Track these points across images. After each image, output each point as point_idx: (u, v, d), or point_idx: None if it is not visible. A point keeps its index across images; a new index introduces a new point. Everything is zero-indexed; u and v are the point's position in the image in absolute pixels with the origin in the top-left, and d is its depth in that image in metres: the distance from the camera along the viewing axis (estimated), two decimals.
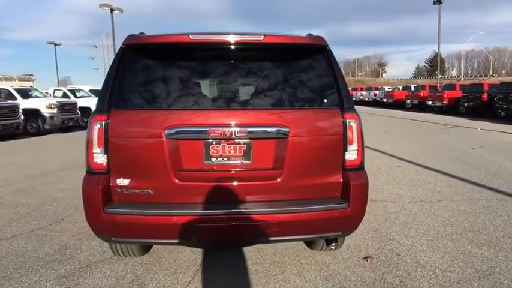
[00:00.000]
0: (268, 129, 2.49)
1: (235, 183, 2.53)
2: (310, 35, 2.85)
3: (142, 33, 2.83)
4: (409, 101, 29.04)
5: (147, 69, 2.62)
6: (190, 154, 2.50)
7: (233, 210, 2.44)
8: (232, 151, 2.51)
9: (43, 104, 14.62)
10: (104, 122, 2.49)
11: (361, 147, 2.62)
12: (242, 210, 2.44)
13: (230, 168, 2.53)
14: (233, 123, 2.46)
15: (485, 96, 19.73)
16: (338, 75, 2.63)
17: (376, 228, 4.14)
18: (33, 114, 14.52)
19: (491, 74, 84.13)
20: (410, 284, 2.96)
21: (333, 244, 2.85)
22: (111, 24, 27.01)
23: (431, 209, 4.83)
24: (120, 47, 2.65)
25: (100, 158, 2.52)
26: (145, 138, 2.49)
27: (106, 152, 2.50)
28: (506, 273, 3.11)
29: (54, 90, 19.02)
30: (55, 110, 14.54)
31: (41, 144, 12.54)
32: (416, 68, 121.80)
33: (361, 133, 2.61)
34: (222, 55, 2.66)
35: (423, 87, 29.80)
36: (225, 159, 2.52)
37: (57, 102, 14.88)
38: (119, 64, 2.59)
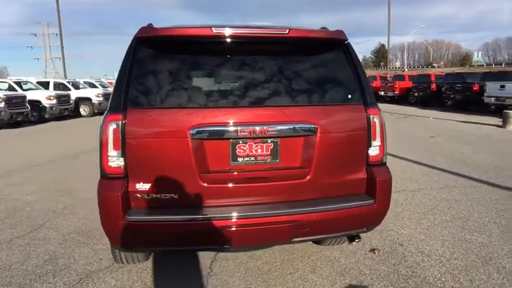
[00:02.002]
0: (297, 127, 2.41)
1: (263, 183, 2.43)
2: (324, 28, 2.79)
3: (151, 24, 2.62)
4: None
5: (165, 64, 2.43)
6: (215, 155, 2.37)
7: (264, 212, 2.35)
8: (259, 150, 2.40)
9: None
10: (120, 122, 2.28)
11: (384, 142, 2.63)
12: (273, 211, 2.36)
13: (257, 168, 2.42)
14: (262, 121, 2.35)
15: (433, 86, 20.91)
16: (359, 70, 2.60)
17: None
18: None
19: (432, 64, 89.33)
20: (423, 274, 3.04)
21: (356, 240, 2.86)
22: (57, 11, 25.19)
23: (415, 198, 5.02)
24: (134, 39, 2.43)
25: (116, 162, 2.31)
26: (167, 138, 2.31)
27: (123, 154, 2.29)
28: (504, 257, 3.29)
29: None
30: (2, 104, 13.37)
31: None
32: (363, 59, 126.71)
33: (384, 128, 2.61)
34: (245, 49, 2.53)
35: (374, 77, 30.95)
36: (252, 159, 2.41)
37: (4, 95, 13.67)
38: (133, 58, 2.38)
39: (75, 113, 18.43)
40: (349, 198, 2.55)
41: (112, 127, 2.28)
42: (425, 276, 3.01)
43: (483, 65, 62.23)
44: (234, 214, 2.32)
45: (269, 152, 2.41)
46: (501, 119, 12.54)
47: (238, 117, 2.35)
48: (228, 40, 2.42)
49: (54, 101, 16.27)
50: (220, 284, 2.93)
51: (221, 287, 2.89)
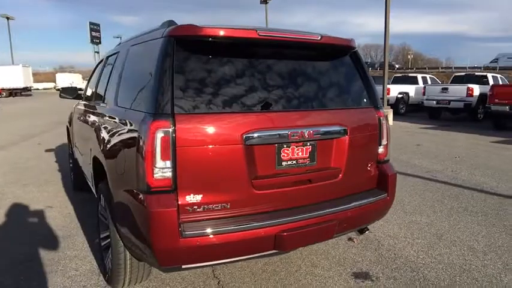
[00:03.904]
0: (334, 129, 2.54)
1: (303, 185, 2.49)
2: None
3: (173, 22, 2.42)
4: None
5: (207, 66, 2.26)
6: (263, 160, 2.33)
7: (314, 213, 2.41)
8: (300, 153, 2.45)
9: None
10: (170, 129, 2.06)
11: (389, 141, 2.94)
12: (320, 212, 2.44)
13: (298, 171, 2.47)
14: (308, 124, 2.42)
15: None
16: (369, 75, 2.87)
17: None
18: None
19: None
20: (404, 254, 3.49)
21: (366, 231, 3.10)
22: None
23: None
24: (170, 37, 2.20)
25: (162, 173, 2.08)
26: (220, 145, 2.17)
27: (173, 165, 2.08)
28: (450, 232, 4.00)
29: None
30: None
31: None
32: None
33: (389, 129, 2.93)
34: (283, 53, 2.53)
35: None
36: (294, 162, 2.44)
37: None
38: (172, 58, 2.16)
39: None
40: (368, 193, 2.80)
41: (160, 135, 2.05)
42: (407, 256, 3.46)
43: None
44: (287, 218, 2.32)
45: (307, 155, 2.49)
46: None
47: (287, 121, 2.38)
48: (271, 44, 2.42)
49: None
50: None
51: None
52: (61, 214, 4.52)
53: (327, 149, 2.57)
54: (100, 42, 42.80)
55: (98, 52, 44.62)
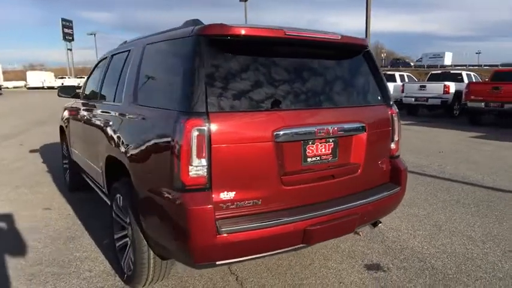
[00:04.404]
0: (356, 126, 2.64)
1: (328, 181, 2.57)
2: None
3: (198, 21, 2.44)
4: None
5: (237, 65, 2.29)
6: (291, 156, 2.39)
7: (339, 208, 2.49)
8: (323, 150, 2.53)
9: None
10: (205, 128, 2.08)
11: (400, 137, 3.06)
12: (344, 206, 2.52)
13: (322, 167, 2.54)
14: (332, 121, 2.50)
15: None
16: (381, 74, 2.97)
17: None
18: None
19: None
20: (409, 245, 3.64)
21: (379, 225, 3.20)
22: None
23: None
24: (199, 35, 2.22)
25: (199, 171, 2.10)
26: (252, 143, 2.22)
27: (208, 163, 2.11)
28: (448, 223, 4.18)
29: None
30: None
31: None
32: None
33: (400, 126, 3.04)
34: (306, 53, 2.58)
35: None
36: (318, 158, 2.52)
37: None
38: (203, 57, 2.18)
39: None
40: (383, 187, 2.90)
41: (195, 133, 2.07)
42: (412, 247, 3.60)
43: None
44: (314, 213, 2.39)
45: (330, 151, 2.56)
46: None
47: (314, 118, 2.45)
48: (296, 43, 2.47)
49: None
50: (255, 284, 2.92)
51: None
52: (61, 216, 4.42)
53: (347, 145, 2.65)
54: (73, 39, 41.73)
55: (70, 49, 43.40)
